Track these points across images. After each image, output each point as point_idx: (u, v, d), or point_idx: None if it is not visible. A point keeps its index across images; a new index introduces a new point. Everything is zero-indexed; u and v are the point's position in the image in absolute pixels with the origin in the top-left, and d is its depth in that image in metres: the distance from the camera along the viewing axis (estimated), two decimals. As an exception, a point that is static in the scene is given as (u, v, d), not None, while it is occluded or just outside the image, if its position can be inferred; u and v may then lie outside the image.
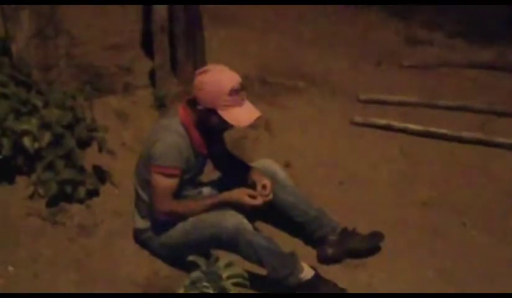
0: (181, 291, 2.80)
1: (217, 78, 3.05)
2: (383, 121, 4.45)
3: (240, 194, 3.13)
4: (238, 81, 3.06)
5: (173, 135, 3.11)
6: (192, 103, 3.12)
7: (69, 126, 3.58)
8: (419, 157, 4.22)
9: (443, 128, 4.38)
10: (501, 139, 4.32)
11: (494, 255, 3.48)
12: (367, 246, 3.42)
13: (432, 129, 4.39)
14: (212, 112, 3.06)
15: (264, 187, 3.20)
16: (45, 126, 3.50)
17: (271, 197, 3.19)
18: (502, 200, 3.88)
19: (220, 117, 3.06)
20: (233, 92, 3.03)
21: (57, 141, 3.50)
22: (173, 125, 3.14)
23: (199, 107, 3.08)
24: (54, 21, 3.88)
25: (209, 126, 3.14)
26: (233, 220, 3.07)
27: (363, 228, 3.45)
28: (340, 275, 3.27)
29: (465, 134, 4.36)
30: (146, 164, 3.16)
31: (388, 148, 4.27)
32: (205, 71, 3.10)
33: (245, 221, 3.09)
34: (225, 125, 3.12)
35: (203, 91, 3.05)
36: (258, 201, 3.12)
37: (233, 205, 3.13)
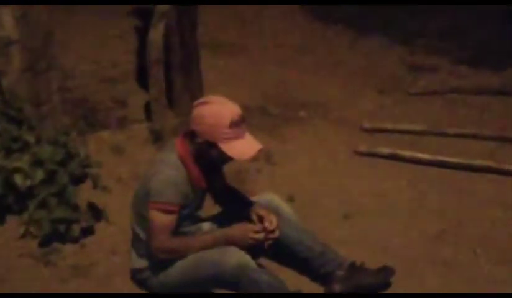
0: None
1: (217, 110, 2.95)
2: (388, 151, 4.37)
3: (242, 230, 3.01)
4: (239, 113, 2.97)
5: (170, 169, 3.01)
6: (191, 136, 3.03)
7: (62, 163, 3.53)
8: (427, 187, 4.13)
9: (452, 157, 4.31)
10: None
11: (507, 287, 3.33)
12: (377, 282, 3.28)
13: (441, 158, 4.31)
14: (212, 145, 2.96)
15: (269, 222, 3.07)
16: (37, 163, 3.44)
17: (277, 234, 3.07)
18: (515, 229, 3.78)
19: (220, 150, 2.96)
20: (234, 124, 2.94)
21: (50, 178, 3.45)
22: (171, 159, 3.04)
23: (198, 140, 2.99)
24: (46, 55, 3.82)
25: (208, 159, 3.04)
26: (236, 257, 2.94)
27: (372, 263, 3.32)
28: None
29: (475, 162, 4.28)
30: (143, 201, 3.06)
31: (395, 178, 4.19)
32: (204, 103, 3.00)
33: (248, 257, 2.97)
34: (225, 158, 3.03)
35: (202, 124, 2.96)
36: (262, 236, 3.00)
37: (235, 241, 3.00)
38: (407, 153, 4.33)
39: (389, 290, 3.27)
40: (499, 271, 3.46)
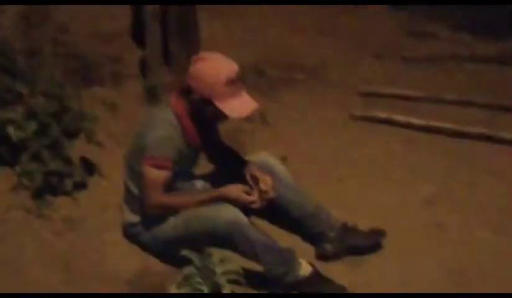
0: (173, 287, 2.69)
1: (214, 67, 2.93)
2: (383, 115, 4.36)
3: (237, 192, 3.00)
4: (236, 71, 2.95)
5: (165, 125, 2.99)
6: (186, 92, 3.01)
7: (56, 116, 3.47)
8: (422, 152, 4.13)
9: (447, 123, 4.30)
10: (507, 135, 4.22)
11: (499, 253, 3.36)
12: (368, 243, 3.30)
13: (436, 124, 4.31)
14: (207, 102, 2.94)
15: (264, 182, 3.07)
16: (31, 115, 3.39)
17: (271, 195, 3.07)
18: (507, 197, 3.77)
19: (215, 108, 2.95)
20: (230, 82, 2.92)
21: (43, 130, 3.40)
22: (165, 115, 3.02)
23: (194, 97, 2.97)
24: (41, 6, 3.76)
25: (203, 116, 3.03)
26: (229, 214, 2.94)
27: (364, 225, 3.34)
28: (339, 272, 3.16)
29: (470, 129, 4.27)
30: (137, 156, 3.05)
31: (390, 143, 4.18)
32: (201, 59, 2.98)
33: (241, 215, 2.97)
34: (220, 116, 3.01)
35: (198, 80, 2.93)
36: (256, 200, 3.01)
37: (229, 201, 3.00)
38: (402, 118, 4.33)
39: (379, 253, 3.29)
40: (489, 236, 3.47)
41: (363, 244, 3.28)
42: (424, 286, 3.13)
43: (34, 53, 3.79)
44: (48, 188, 3.35)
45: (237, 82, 2.94)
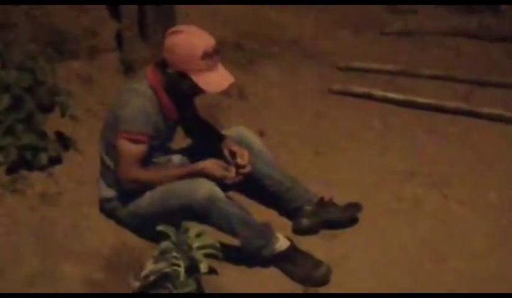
0: (150, 262, 2.68)
1: (190, 40, 2.90)
2: (362, 90, 4.35)
3: (214, 167, 2.98)
4: (212, 44, 2.92)
5: (141, 98, 2.96)
6: (162, 65, 2.98)
7: (29, 89, 3.40)
8: (399, 127, 4.14)
9: (425, 98, 4.31)
10: (484, 110, 4.24)
11: (474, 226, 3.40)
12: (344, 217, 3.31)
13: (414, 98, 4.31)
14: (183, 75, 2.92)
15: (241, 157, 3.06)
16: (4, 88, 3.32)
17: (248, 169, 3.06)
18: (483, 172, 3.80)
19: (191, 81, 2.92)
20: (207, 55, 2.89)
21: (16, 104, 3.33)
22: (141, 88, 2.99)
23: (169, 70, 2.94)
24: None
25: (179, 90, 3.00)
26: (205, 188, 2.93)
27: (341, 199, 3.35)
28: (316, 246, 3.16)
29: (448, 104, 4.28)
30: (112, 130, 3.02)
31: (367, 117, 4.18)
32: (177, 32, 2.94)
33: (218, 189, 2.95)
34: (196, 90, 2.99)
35: (174, 53, 2.90)
36: (232, 175, 3.00)
37: (206, 176, 2.98)
38: (380, 93, 4.33)
39: (356, 227, 3.31)
40: (466, 211, 3.50)
41: (340, 218, 3.29)
42: (400, 260, 3.15)
43: (7, 25, 3.71)
44: (22, 163, 3.30)
45: (213, 56, 2.92)
